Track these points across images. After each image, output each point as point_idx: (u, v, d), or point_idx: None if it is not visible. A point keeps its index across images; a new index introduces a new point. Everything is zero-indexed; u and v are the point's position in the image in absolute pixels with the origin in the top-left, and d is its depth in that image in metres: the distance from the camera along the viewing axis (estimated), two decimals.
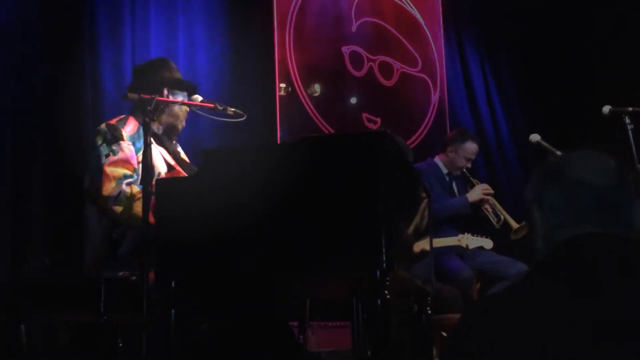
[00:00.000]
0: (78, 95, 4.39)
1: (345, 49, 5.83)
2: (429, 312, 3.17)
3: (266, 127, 5.21)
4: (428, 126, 6.17)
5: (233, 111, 3.21)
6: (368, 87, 5.93)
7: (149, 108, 2.90)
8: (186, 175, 3.24)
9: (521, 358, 1.23)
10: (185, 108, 3.37)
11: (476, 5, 6.82)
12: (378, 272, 2.27)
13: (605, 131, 4.44)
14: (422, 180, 3.49)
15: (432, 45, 6.37)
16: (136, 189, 3.05)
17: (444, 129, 6.13)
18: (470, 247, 4.66)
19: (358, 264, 2.33)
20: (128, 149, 3.15)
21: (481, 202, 4.93)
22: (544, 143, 4.40)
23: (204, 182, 2.49)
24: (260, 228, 2.40)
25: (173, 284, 2.45)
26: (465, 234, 4.68)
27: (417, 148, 5.67)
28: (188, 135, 3.81)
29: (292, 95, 5.45)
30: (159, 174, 3.15)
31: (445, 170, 5.03)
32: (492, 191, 4.98)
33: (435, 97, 6.28)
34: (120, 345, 2.92)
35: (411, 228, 2.89)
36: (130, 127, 3.22)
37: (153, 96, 2.97)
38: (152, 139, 2.90)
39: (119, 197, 3.04)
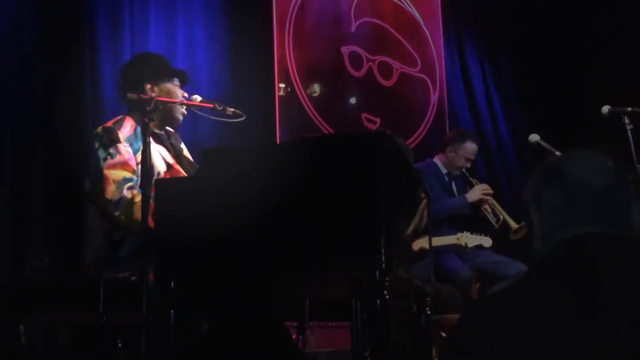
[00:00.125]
0: (78, 95, 4.39)
1: (345, 49, 5.83)
2: (429, 312, 3.17)
3: (265, 127, 5.21)
4: (427, 126, 6.17)
5: (232, 111, 3.20)
6: (367, 87, 5.92)
7: (148, 108, 2.90)
8: (186, 174, 3.24)
9: (521, 358, 1.23)
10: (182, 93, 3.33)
11: (476, 5, 6.81)
12: (377, 272, 2.27)
13: (604, 131, 4.44)
14: (422, 181, 3.48)
15: (432, 45, 6.37)
16: (137, 194, 3.04)
17: (444, 129, 6.13)
18: (469, 245, 4.62)
19: (357, 264, 2.33)
20: (125, 151, 3.14)
21: (480, 202, 4.92)
22: (543, 143, 4.40)
23: (204, 182, 2.49)
24: (260, 228, 2.40)
25: (173, 284, 2.45)
26: (464, 232, 4.65)
27: (416, 148, 5.66)
28: (188, 135, 3.81)
29: (291, 95, 5.45)
30: (159, 173, 3.15)
31: (444, 171, 5.03)
32: (492, 191, 4.98)
33: (434, 97, 6.28)
34: (120, 345, 2.92)
35: (410, 228, 2.89)
36: (127, 129, 3.20)
37: (152, 96, 2.96)
38: (150, 138, 2.89)
39: (120, 202, 3.03)
